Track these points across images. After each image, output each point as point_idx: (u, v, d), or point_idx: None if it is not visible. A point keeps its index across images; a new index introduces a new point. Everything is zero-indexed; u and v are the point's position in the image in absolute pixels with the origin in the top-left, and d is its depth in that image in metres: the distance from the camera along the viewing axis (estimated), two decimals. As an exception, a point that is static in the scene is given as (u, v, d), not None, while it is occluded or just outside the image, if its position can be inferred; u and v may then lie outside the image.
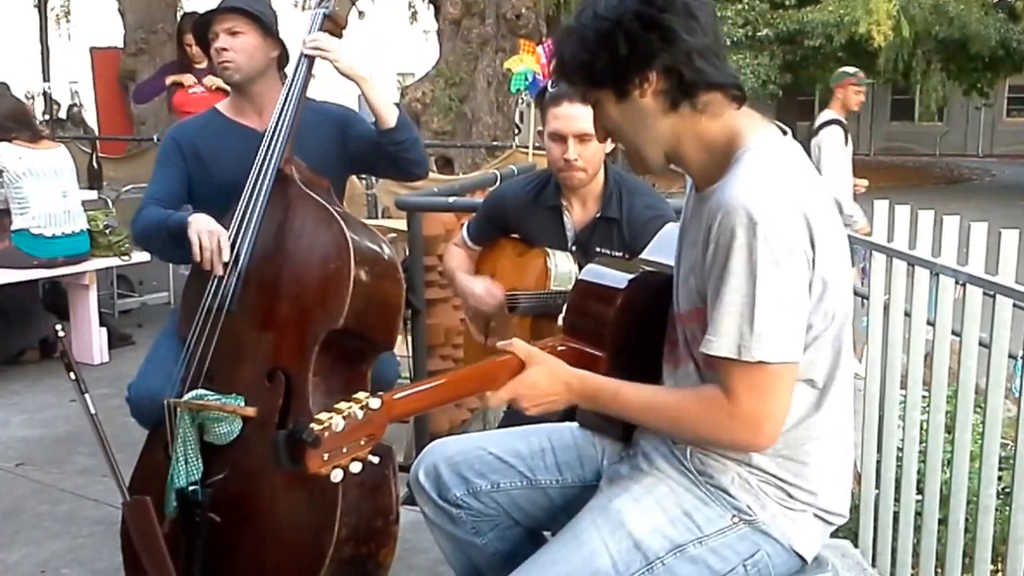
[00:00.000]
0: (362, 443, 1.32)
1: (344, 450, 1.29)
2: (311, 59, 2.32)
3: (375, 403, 1.32)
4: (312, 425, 1.26)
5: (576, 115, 2.31)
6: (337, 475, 1.30)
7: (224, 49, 2.37)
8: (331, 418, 1.28)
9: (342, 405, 1.30)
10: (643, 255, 1.77)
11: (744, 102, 1.44)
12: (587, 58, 1.41)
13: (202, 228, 2.19)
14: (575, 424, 1.71)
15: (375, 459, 1.33)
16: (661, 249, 1.71)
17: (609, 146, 2.39)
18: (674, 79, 1.39)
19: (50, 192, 4.49)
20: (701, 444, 1.47)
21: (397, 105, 2.47)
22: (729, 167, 1.38)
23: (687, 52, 1.37)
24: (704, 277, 1.38)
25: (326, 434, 1.26)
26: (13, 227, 4.47)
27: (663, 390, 1.49)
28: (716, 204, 1.35)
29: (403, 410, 1.40)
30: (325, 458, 1.27)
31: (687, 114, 1.41)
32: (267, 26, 2.40)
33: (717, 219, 1.33)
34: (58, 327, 2.02)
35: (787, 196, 1.33)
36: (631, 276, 1.58)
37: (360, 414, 1.30)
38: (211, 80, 5.25)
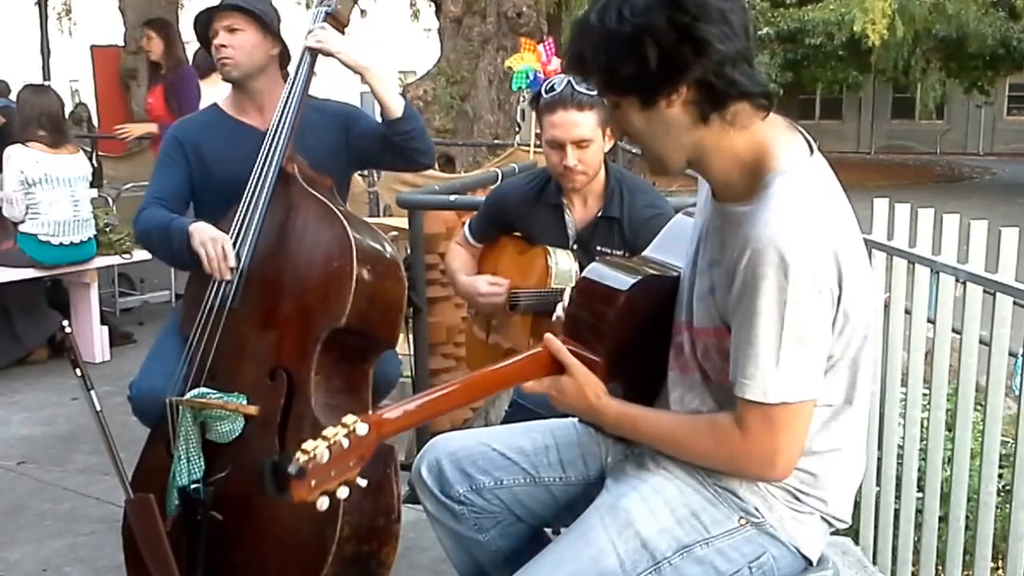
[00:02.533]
0: (351, 465, 1.31)
1: (332, 474, 1.29)
2: (313, 56, 2.32)
3: (362, 429, 1.31)
4: (298, 455, 1.26)
5: (573, 122, 2.29)
6: (324, 503, 1.29)
7: (223, 46, 2.37)
8: (316, 447, 1.27)
9: (328, 432, 1.29)
10: (647, 252, 1.74)
11: (770, 110, 1.39)
12: (610, 63, 1.33)
13: (205, 237, 2.18)
14: (577, 419, 1.71)
15: (363, 482, 1.33)
16: (666, 247, 1.68)
17: (607, 145, 2.39)
18: (705, 91, 1.31)
19: (62, 200, 4.49)
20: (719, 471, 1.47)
21: (403, 95, 2.46)
22: (758, 191, 1.34)
23: (720, 62, 1.30)
24: (728, 306, 1.36)
25: (311, 465, 1.26)
26: (21, 229, 4.48)
27: (679, 421, 1.48)
28: (746, 237, 1.31)
29: (394, 428, 1.39)
30: (312, 485, 1.27)
31: (716, 126, 1.35)
32: (266, 23, 2.40)
33: (746, 255, 1.30)
34: (64, 324, 2.03)
35: (819, 235, 1.30)
36: (635, 280, 1.55)
37: (346, 443, 1.29)
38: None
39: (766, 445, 1.35)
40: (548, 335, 1.50)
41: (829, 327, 1.33)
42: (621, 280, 1.55)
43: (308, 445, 1.27)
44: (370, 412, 1.36)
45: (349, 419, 1.32)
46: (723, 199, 1.42)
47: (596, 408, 1.48)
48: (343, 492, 1.31)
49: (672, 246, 1.64)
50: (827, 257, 1.30)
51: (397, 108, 2.38)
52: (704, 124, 1.35)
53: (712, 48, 1.29)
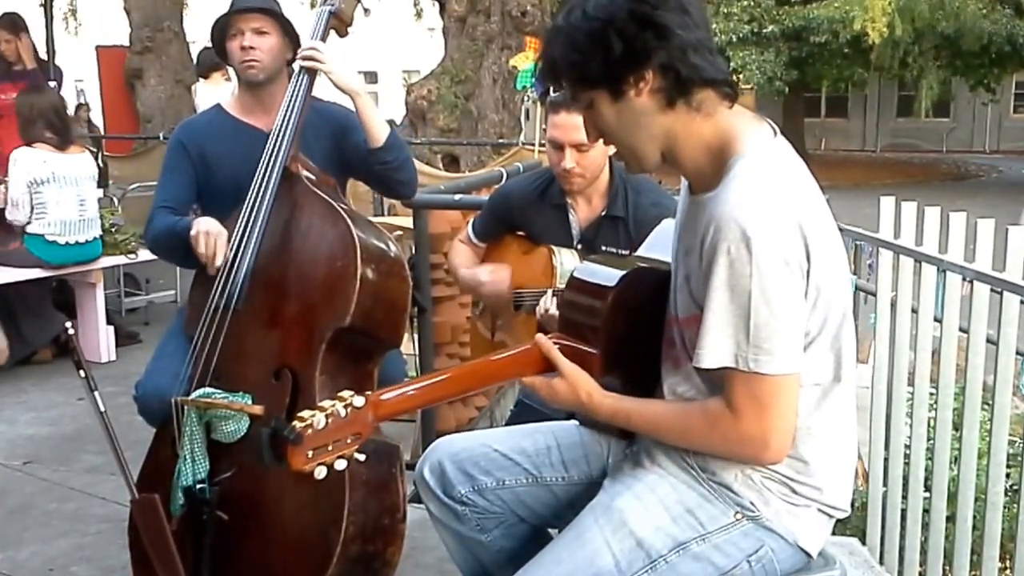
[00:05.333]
0: (348, 441, 1.33)
1: (329, 447, 1.30)
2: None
3: (359, 401, 1.33)
4: (295, 423, 1.27)
5: (574, 125, 2.29)
6: (321, 472, 1.30)
7: (251, 48, 2.36)
8: (313, 416, 1.29)
9: (326, 403, 1.32)
10: (639, 252, 1.76)
11: (735, 99, 1.43)
12: (579, 59, 1.38)
13: (201, 230, 2.21)
14: (578, 422, 1.71)
15: (361, 456, 1.35)
16: (656, 246, 1.70)
17: (611, 148, 2.39)
18: (670, 76, 1.37)
19: (69, 200, 4.50)
20: (716, 457, 1.47)
21: (391, 123, 2.45)
22: (722, 175, 1.38)
23: (682, 48, 1.35)
24: (700, 287, 1.38)
25: (308, 431, 1.27)
26: (27, 230, 4.49)
27: (672, 409, 1.48)
28: (709, 217, 1.34)
29: (390, 409, 1.41)
30: (309, 455, 1.28)
31: (683, 112, 1.40)
32: (289, 28, 2.40)
33: (710, 232, 1.33)
34: (68, 324, 2.03)
35: (782, 209, 1.33)
36: (622, 273, 1.57)
37: (343, 412, 1.31)
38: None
39: (760, 425, 1.36)
40: (539, 335, 1.51)
41: (801, 300, 1.34)
42: (610, 276, 1.56)
43: (305, 414, 1.29)
44: (368, 393, 1.37)
45: (347, 393, 1.34)
46: (696, 191, 1.46)
47: (588, 407, 1.49)
48: (340, 464, 1.33)
49: (662, 244, 1.64)
50: (791, 230, 1.32)
51: (380, 136, 2.35)
52: (671, 110, 1.40)
53: (673, 33, 1.35)
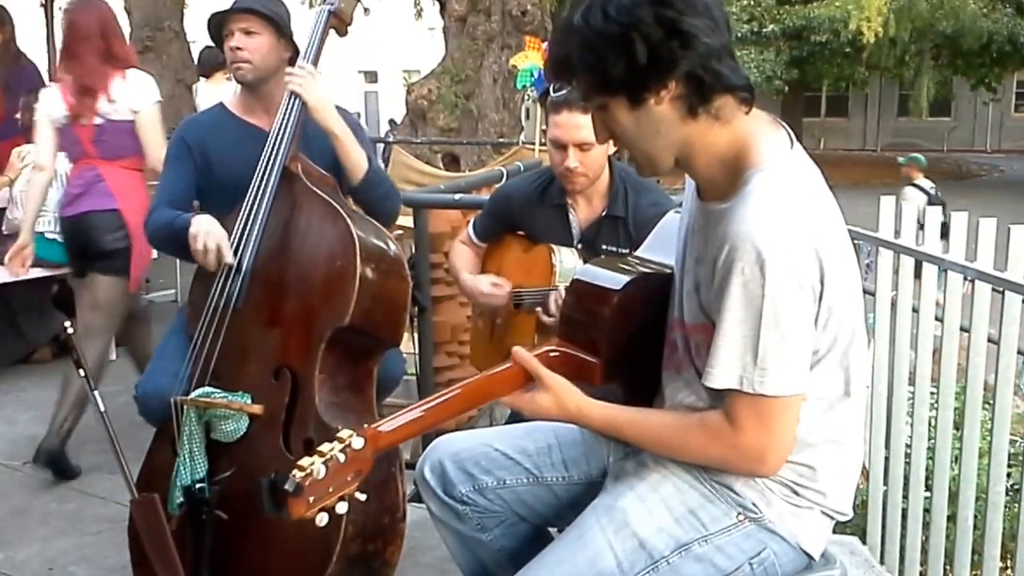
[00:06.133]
0: (349, 479, 1.31)
1: (330, 489, 1.29)
2: (316, 57, 2.32)
3: (358, 443, 1.31)
4: (294, 472, 1.26)
5: (577, 124, 2.29)
6: (323, 519, 1.29)
7: (239, 48, 2.36)
8: (313, 464, 1.27)
9: (324, 447, 1.30)
10: (640, 252, 1.73)
11: (752, 105, 1.39)
12: (597, 63, 1.32)
13: (201, 229, 2.19)
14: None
15: (362, 496, 1.34)
16: (659, 246, 1.68)
17: (612, 147, 2.38)
18: (693, 85, 1.32)
19: None
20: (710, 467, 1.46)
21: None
22: (738, 188, 1.34)
23: (707, 55, 1.30)
24: (711, 302, 1.36)
25: (308, 481, 1.26)
26: None
27: (668, 421, 1.47)
28: (724, 233, 1.31)
29: (389, 441, 1.40)
30: (311, 501, 1.27)
31: (703, 120, 1.36)
32: (281, 27, 2.40)
33: (725, 250, 1.30)
34: (67, 324, 2.03)
35: (798, 231, 1.30)
36: (628, 278, 1.54)
37: (342, 457, 1.29)
38: None
39: (760, 441, 1.36)
40: (516, 348, 1.47)
41: (811, 323, 1.33)
42: (614, 280, 1.54)
43: (304, 462, 1.27)
44: (366, 426, 1.36)
45: (345, 433, 1.32)
46: (707, 197, 1.43)
47: (579, 420, 1.47)
48: (342, 507, 1.31)
49: (664, 245, 1.63)
50: (806, 253, 1.30)
51: (357, 175, 2.32)
52: (692, 119, 1.35)
53: (699, 41, 1.30)
